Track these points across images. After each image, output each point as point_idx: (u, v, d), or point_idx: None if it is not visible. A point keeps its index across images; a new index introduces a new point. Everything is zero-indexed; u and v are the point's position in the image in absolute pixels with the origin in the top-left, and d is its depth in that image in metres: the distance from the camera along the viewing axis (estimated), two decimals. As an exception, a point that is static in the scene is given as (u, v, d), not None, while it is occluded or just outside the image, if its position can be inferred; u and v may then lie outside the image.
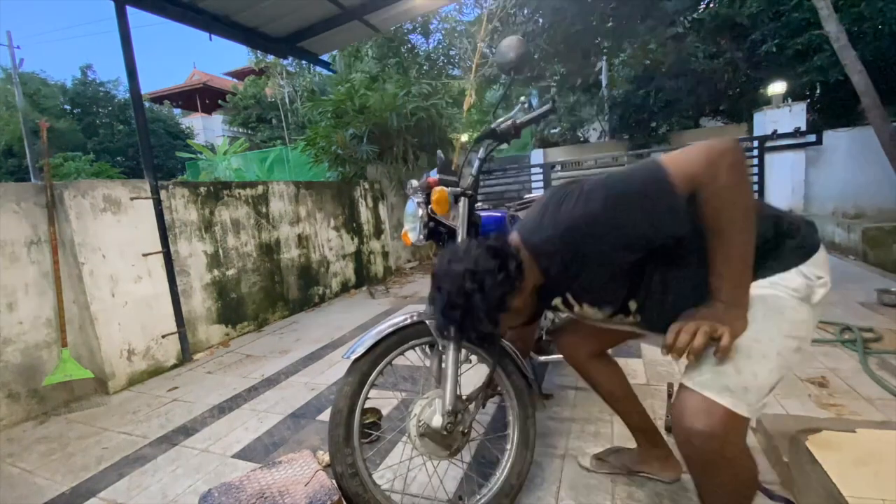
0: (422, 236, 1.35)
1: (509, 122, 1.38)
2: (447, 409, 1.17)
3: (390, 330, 1.24)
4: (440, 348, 1.25)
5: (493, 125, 1.40)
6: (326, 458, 1.56)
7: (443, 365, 1.33)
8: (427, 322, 1.25)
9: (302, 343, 3.11)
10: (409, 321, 1.25)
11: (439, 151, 1.50)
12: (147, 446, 1.89)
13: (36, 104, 16.49)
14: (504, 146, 1.52)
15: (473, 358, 1.36)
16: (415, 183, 1.41)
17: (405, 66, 6.19)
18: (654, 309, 0.97)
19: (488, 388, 1.28)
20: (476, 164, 1.39)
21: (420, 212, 1.33)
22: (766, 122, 6.12)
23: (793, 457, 1.30)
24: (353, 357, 1.20)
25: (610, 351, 1.37)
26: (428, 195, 1.34)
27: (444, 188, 1.29)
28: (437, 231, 1.37)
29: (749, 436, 1.53)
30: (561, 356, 1.69)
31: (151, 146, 2.90)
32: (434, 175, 1.35)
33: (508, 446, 1.30)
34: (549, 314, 1.90)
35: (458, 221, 1.32)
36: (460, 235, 1.31)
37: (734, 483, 0.86)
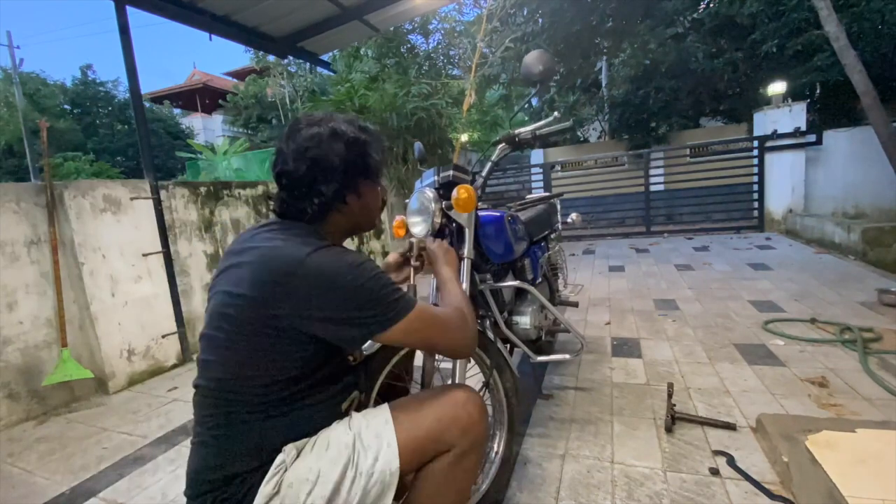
0: (430, 232, 1.31)
1: (529, 131, 1.39)
2: None
3: None
4: None
5: (513, 132, 1.40)
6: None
7: (426, 367, 1.33)
8: None
9: (302, 343, 3.10)
10: None
11: (418, 143, 1.50)
12: (147, 446, 1.89)
13: (36, 104, 16.48)
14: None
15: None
16: (430, 175, 1.38)
17: (405, 66, 6.18)
18: None
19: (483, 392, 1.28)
20: (488, 165, 1.39)
21: (433, 206, 1.29)
22: (766, 122, 6.12)
23: (793, 457, 1.30)
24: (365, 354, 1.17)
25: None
26: (439, 190, 1.31)
27: (471, 186, 1.26)
28: (442, 228, 1.36)
29: (749, 435, 1.54)
30: (560, 357, 1.70)
31: (151, 146, 2.90)
32: (450, 171, 1.33)
33: (491, 458, 1.28)
34: (549, 314, 1.90)
35: (468, 220, 1.31)
36: (468, 235, 1.31)
37: None
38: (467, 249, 1.29)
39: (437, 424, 0.86)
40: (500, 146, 1.42)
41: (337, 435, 0.83)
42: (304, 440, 0.82)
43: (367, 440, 0.82)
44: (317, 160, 0.86)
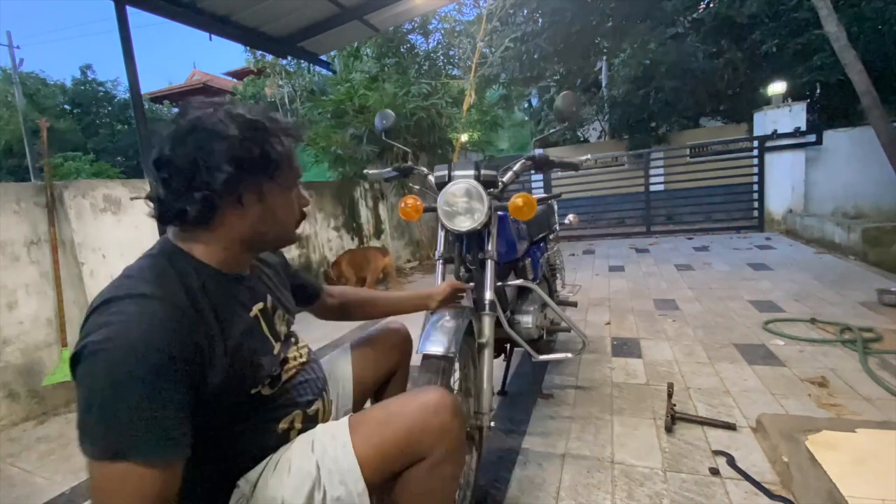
0: (475, 227, 1.27)
1: (545, 154, 1.44)
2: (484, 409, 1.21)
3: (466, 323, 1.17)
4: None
5: (534, 152, 1.43)
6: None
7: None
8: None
9: (302, 343, 3.10)
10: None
11: (380, 113, 1.54)
12: (147, 446, 1.88)
13: (36, 104, 16.47)
14: (505, 147, 1.52)
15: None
16: (474, 158, 1.40)
17: (404, 65, 6.18)
18: None
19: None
20: (509, 174, 1.42)
21: (485, 204, 1.26)
22: (766, 122, 6.12)
23: (793, 457, 1.30)
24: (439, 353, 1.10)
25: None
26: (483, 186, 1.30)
27: (530, 194, 1.29)
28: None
29: (749, 435, 1.54)
30: (561, 356, 1.70)
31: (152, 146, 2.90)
32: (494, 172, 1.36)
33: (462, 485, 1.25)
34: (548, 312, 1.90)
35: (494, 221, 1.35)
36: (492, 239, 1.34)
37: None
38: (492, 249, 1.33)
39: (407, 436, 0.79)
40: (524, 162, 1.44)
41: (298, 460, 0.77)
42: (256, 469, 0.77)
43: (329, 463, 0.77)
44: (201, 144, 0.66)
